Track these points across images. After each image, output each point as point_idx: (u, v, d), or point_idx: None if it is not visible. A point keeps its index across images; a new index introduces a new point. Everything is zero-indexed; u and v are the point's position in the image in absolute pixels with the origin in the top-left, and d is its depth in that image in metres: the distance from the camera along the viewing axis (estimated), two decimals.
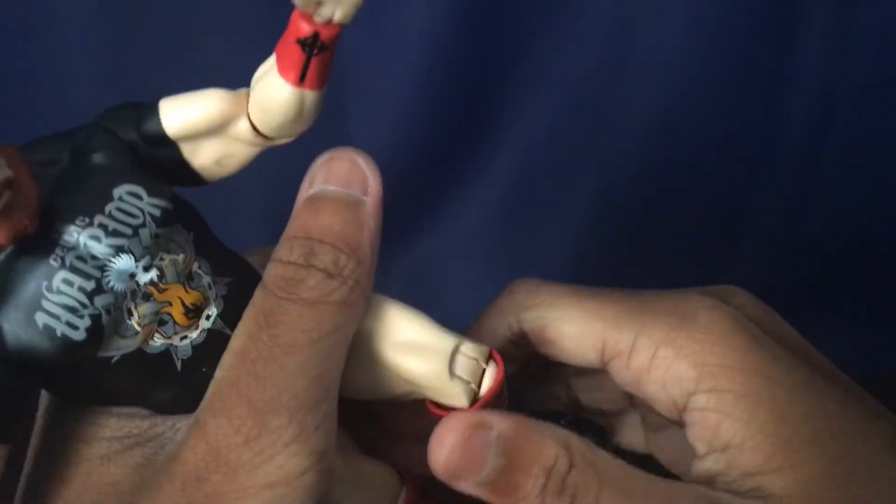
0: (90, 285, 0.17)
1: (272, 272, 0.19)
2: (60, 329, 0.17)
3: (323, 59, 0.19)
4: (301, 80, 0.19)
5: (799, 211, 0.53)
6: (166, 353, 0.19)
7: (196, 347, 0.19)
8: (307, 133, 0.57)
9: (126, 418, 0.19)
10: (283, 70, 0.19)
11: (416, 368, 0.21)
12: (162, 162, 0.19)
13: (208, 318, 0.19)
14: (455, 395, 0.21)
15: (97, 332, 0.18)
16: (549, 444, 0.19)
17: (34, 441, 0.20)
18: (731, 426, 0.19)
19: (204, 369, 0.19)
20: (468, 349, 0.22)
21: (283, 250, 0.20)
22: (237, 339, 0.19)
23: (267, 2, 0.46)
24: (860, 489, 0.19)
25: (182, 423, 0.19)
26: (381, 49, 0.48)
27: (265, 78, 0.19)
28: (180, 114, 0.19)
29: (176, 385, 0.19)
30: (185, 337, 0.19)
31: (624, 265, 0.54)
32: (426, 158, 0.51)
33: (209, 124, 0.19)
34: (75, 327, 0.17)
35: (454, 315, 0.60)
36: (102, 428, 0.19)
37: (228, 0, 0.46)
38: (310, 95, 0.19)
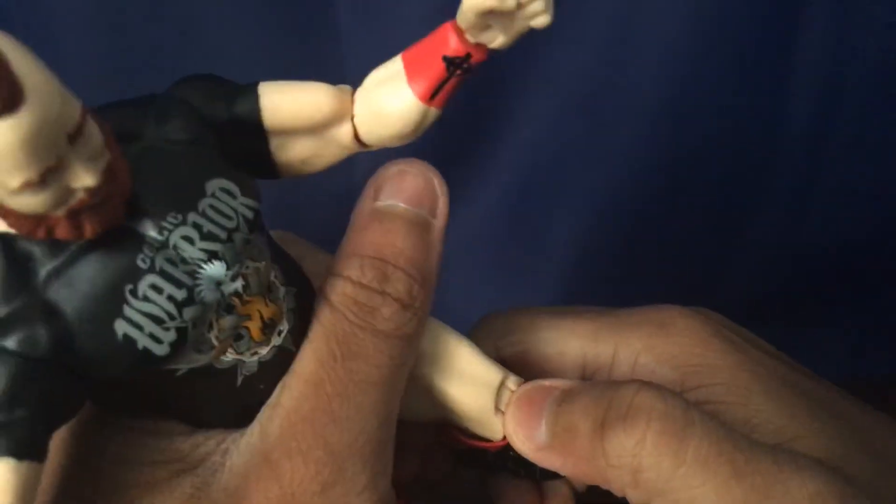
0: (181, 294, 0.15)
1: (342, 291, 0.18)
2: (143, 342, 0.14)
3: (458, 83, 0.17)
4: (432, 97, 0.17)
5: (799, 211, 0.53)
6: (233, 369, 0.17)
7: (262, 364, 0.17)
8: None
9: (165, 437, 0.18)
10: (415, 81, 0.17)
11: (465, 400, 0.21)
12: (243, 150, 0.17)
13: (279, 333, 0.18)
14: (495, 430, 0.21)
15: (181, 347, 0.15)
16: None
17: (55, 457, 0.17)
18: (728, 411, 0.19)
19: (261, 386, 0.17)
20: (512, 383, 0.22)
21: (353, 269, 0.19)
22: (308, 365, 0.17)
23: (260, 9, 0.46)
24: (879, 456, 0.19)
25: (228, 443, 0.18)
26: (380, 48, 0.48)
27: (389, 84, 0.17)
28: (285, 104, 0.17)
29: (231, 401, 0.17)
30: (256, 353, 0.17)
31: (624, 265, 0.54)
32: (426, 158, 0.51)
33: (314, 122, 0.17)
34: (159, 341, 0.15)
35: (454, 315, 0.60)
36: (142, 449, 0.17)
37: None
38: (432, 114, 0.18)
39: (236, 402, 0.17)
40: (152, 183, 0.15)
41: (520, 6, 0.16)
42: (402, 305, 0.19)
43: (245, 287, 0.16)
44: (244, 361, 0.17)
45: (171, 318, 0.14)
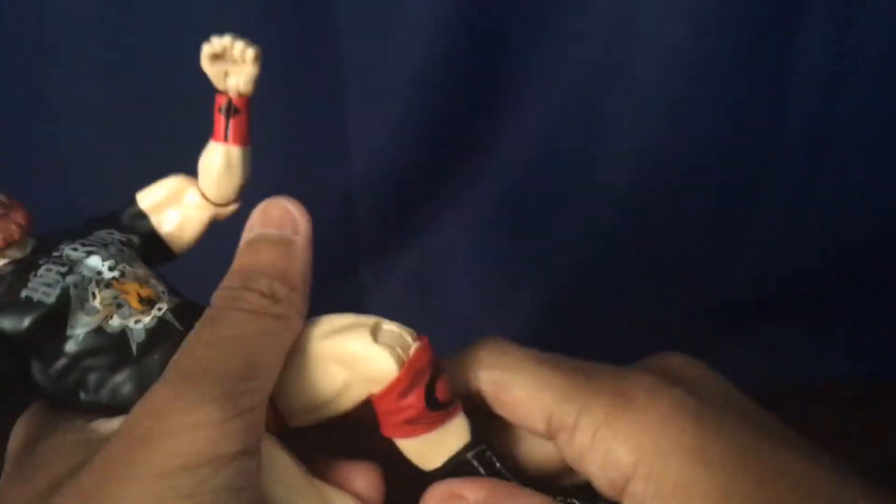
0: (64, 269, 0.22)
1: (215, 296, 0.22)
2: (36, 296, 0.21)
3: (239, 121, 0.23)
4: (225, 138, 0.23)
5: (799, 211, 0.53)
6: (123, 335, 0.22)
7: (149, 332, 0.22)
8: (309, 134, 0.57)
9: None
10: (213, 135, 0.24)
11: (342, 344, 0.23)
12: (144, 238, 0.24)
13: (159, 309, 0.22)
14: (383, 362, 0.22)
15: (65, 298, 0.21)
16: None
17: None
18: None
19: (156, 356, 0.22)
20: (389, 324, 0.24)
21: (224, 281, 0.23)
22: (184, 341, 0.21)
23: (260, 7, 0.46)
24: None
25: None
26: (380, 49, 0.48)
27: (205, 149, 0.24)
28: (149, 191, 0.25)
29: (133, 370, 0.22)
30: (139, 321, 0.22)
31: (624, 264, 0.54)
32: (425, 159, 0.51)
33: (167, 194, 0.24)
34: (48, 294, 0.21)
35: (454, 314, 0.61)
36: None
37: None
38: (234, 151, 0.24)
39: (140, 372, 0.21)
40: (62, 238, 0.23)
41: (224, 52, 0.23)
42: (262, 294, 0.22)
43: (122, 275, 0.22)
44: (131, 328, 0.22)
45: (57, 282, 0.21)
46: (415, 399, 0.23)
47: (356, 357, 0.23)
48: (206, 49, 0.23)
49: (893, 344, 0.56)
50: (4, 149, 0.49)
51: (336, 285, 0.54)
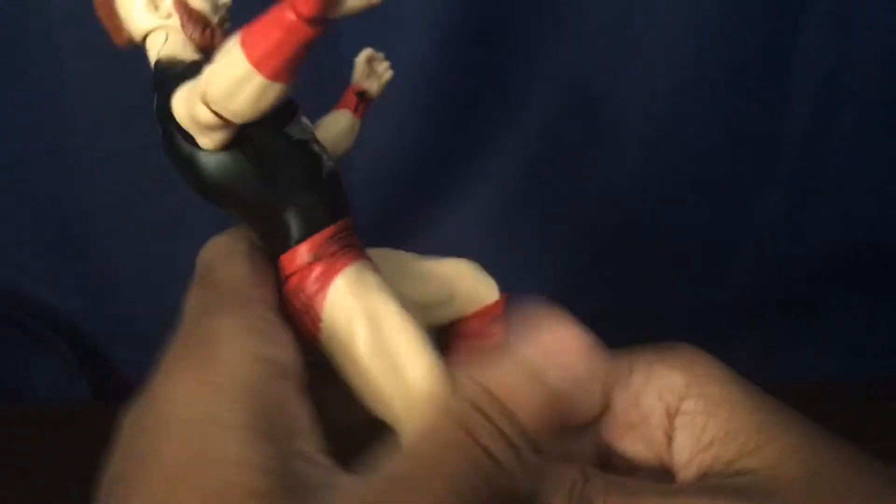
0: None
1: (469, 390, 0.19)
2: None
3: (365, 106, 0.31)
4: (354, 111, 0.31)
5: (799, 212, 0.53)
6: (319, 159, 0.24)
7: (333, 172, 0.25)
8: None
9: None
10: (343, 104, 0.31)
11: (459, 265, 0.27)
12: None
13: (336, 168, 0.25)
14: (492, 287, 0.27)
15: (296, 105, 0.25)
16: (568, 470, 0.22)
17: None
18: (715, 424, 0.22)
19: (339, 193, 0.25)
20: None
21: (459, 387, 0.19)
22: (403, 462, 0.18)
23: (260, 6, 0.46)
24: (827, 462, 0.22)
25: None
26: (380, 48, 0.48)
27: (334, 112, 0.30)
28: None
29: (321, 184, 0.24)
30: (328, 160, 0.25)
31: (624, 264, 0.54)
32: (425, 158, 0.51)
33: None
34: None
35: None
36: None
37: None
38: (357, 123, 0.31)
39: (322, 189, 0.24)
40: None
41: (373, 61, 0.30)
42: (506, 440, 0.18)
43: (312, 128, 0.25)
44: (324, 159, 0.24)
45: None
46: (498, 330, 0.26)
47: (469, 276, 0.27)
48: (369, 52, 0.30)
49: (893, 344, 0.56)
50: (6, 147, 0.49)
51: None
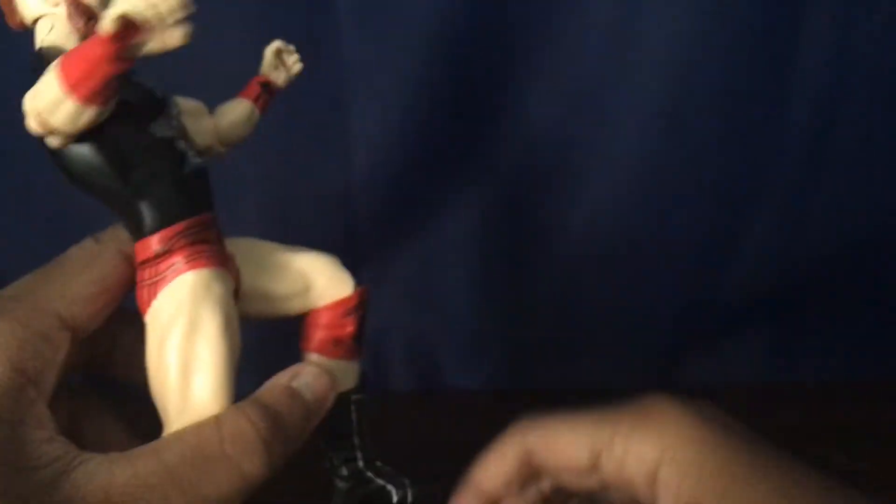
0: (161, 90, 0.26)
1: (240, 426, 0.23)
2: (148, 87, 0.26)
3: (268, 99, 0.31)
4: (255, 101, 0.31)
5: (799, 212, 0.53)
6: (183, 154, 0.25)
7: (198, 169, 0.25)
8: (309, 134, 0.57)
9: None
10: (244, 94, 0.30)
11: (316, 258, 0.28)
12: None
13: (203, 165, 0.26)
14: (347, 280, 0.28)
15: (164, 102, 0.26)
16: None
17: None
18: (687, 489, 0.24)
19: (200, 189, 0.26)
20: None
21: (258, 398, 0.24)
22: (189, 437, 0.22)
23: (260, 4, 0.46)
24: None
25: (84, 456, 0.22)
26: (380, 49, 0.48)
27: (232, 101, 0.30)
28: (183, 101, 0.28)
29: (181, 181, 0.25)
30: (193, 157, 0.26)
31: (624, 264, 0.54)
32: (425, 158, 0.51)
33: (192, 109, 0.28)
34: (157, 93, 0.26)
35: (453, 315, 0.60)
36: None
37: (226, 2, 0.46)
38: (256, 112, 0.31)
39: (179, 186, 0.25)
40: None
41: (282, 53, 0.31)
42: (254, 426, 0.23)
43: (184, 124, 0.26)
44: (189, 156, 0.25)
45: (161, 92, 0.26)
46: (351, 323, 0.28)
47: (328, 269, 0.28)
48: (279, 44, 0.30)
49: (893, 344, 0.56)
50: (6, 147, 0.49)
51: None
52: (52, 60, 0.23)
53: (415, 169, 0.51)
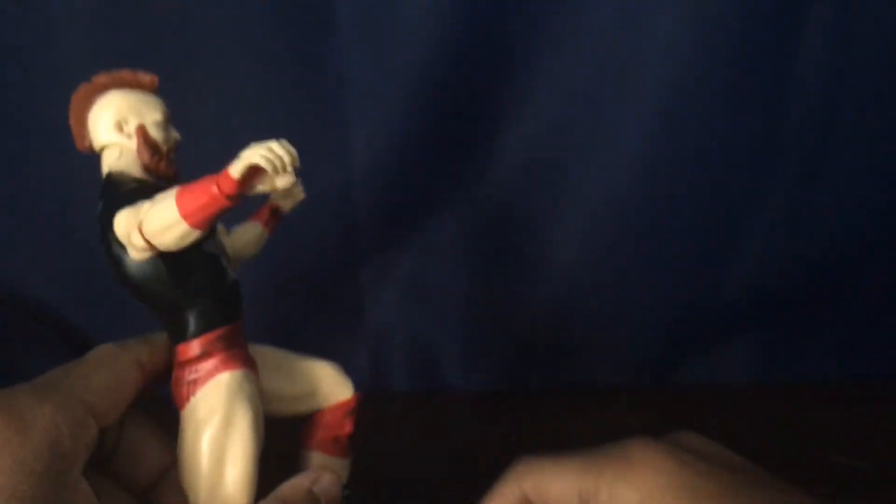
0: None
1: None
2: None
3: (276, 222, 0.34)
4: (266, 225, 0.34)
5: (799, 211, 0.53)
6: (224, 271, 0.29)
7: (234, 283, 0.29)
8: (309, 134, 0.57)
9: None
10: (257, 218, 0.33)
11: (319, 365, 0.32)
12: None
13: (237, 279, 0.30)
14: (347, 385, 0.32)
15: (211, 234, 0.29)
16: None
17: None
18: None
19: (235, 301, 0.29)
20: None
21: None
22: None
23: (260, 6, 0.46)
24: None
25: None
26: (380, 49, 0.48)
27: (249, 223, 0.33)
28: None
29: (221, 293, 0.29)
30: (231, 272, 0.30)
31: (623, 264, 0.54)
32: (425, 159, 0.51)
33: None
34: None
35: (453, 315, 0.61)
36: None
37: (224, 4, 0.46)
38: (265, 235, 0.33)
39: (221, 297, 0.29)
40: None
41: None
42: None
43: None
44: (228, 271, 0.29)
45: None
46: (349, 423, 0.32)
47: (331, 375, 0.32)
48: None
49: (891, 344, 0.56)
50: (6, 147, 0.49)
51: (336, 285, 0.54)
52: (122, 184, 0.27)
53: (414, 169, 0.51)
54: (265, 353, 0.31)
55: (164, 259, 0.27)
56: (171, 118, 0.30)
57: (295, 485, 0.28)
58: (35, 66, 0.46)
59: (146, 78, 0.30)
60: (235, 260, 0.32)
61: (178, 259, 0.27)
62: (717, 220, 0.53)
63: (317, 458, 0.32)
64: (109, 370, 0.27)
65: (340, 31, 0.48)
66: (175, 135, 0.30)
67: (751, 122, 0.50)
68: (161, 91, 0.30)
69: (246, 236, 0.33)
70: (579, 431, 0.50)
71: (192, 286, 0.28)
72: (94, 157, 0.29)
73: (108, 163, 0.29)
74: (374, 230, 0.53)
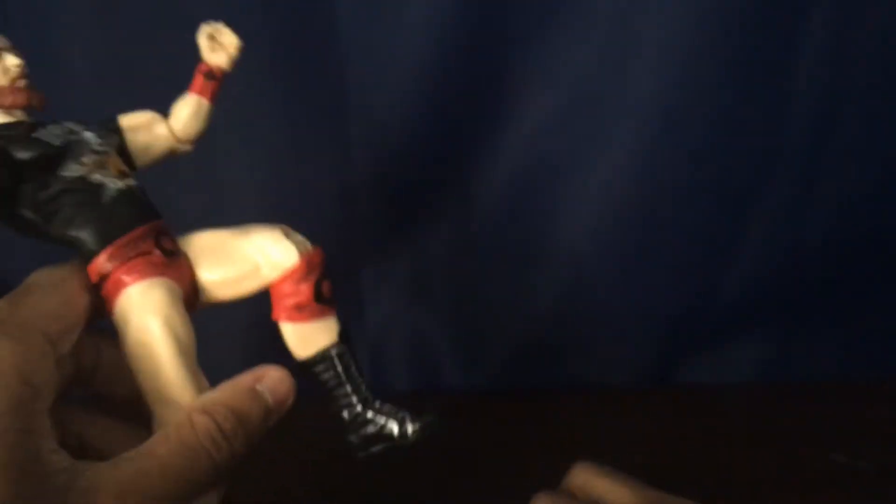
0: (66, 130, 0.28)
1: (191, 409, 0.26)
2: (45, 139, 0.27)
3: (213, 85, 0.31)
4: (200, 92, 0.31)
5: (799, 212, 0.53)
6: (99, 187, 0.28)
7: (119, 191, 0.28)
8: (309, 134, 0.57)
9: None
10: (190, 89, 0.31)
11: (260, 235, 0.30)
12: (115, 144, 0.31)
13: (129, 182, 0.29)
14: (290, 251, 0.30)
15: (65, 147, 0.28)
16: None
17: None
18: None
19: (119, 211, 0.28)
20: (296, 234, 0.31)
21: (211, 399, 0.27)
22: (157, 453, 0.25)
23: (260, 5, 0.46)
24: None
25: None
26: (380, 49, 0.48)
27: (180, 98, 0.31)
28: (129, 116, 0.31)
29: (98, 214, 0.27)
30: (114, 183, 0.28)
31: (624, 264, 0.54)
32: (426, 158, 0.51)
33: (142, 122, 0.31)
34: (53, 141, 0.28)
35: (453, 315, 0.60)
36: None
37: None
38: (205, 104, 0.31)
39: (101, 215, 0.27)
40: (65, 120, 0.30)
41: (216, 34, 0.31)
42: (223, 434, 0.26)
43: (106, 153, 0.29)
44: (106, 184, 0.28)
45: (60, 136, 0.28)
46: (306, 288, 0.30)
47: (271, 245, 0.30)
48: (206, 29, 0.31)
49: (892, 344, 0.56)
50: None
51: (336, 285, 0.54)
52: None
53: (414, 169, 0.51)
54: (199, 241, 0.30)
55: (27, 207, 0.27)
56: (15, 50, 0.28)
57: (236, 384, 0.27)
58: (34, 63, 0.46)
59: None
60: (182, 142, 0.31)
61: (35, 197, 0.27)
62: (717, 220, 0.53)
63: (286, 328, 0.31)
64: (60, 296, 0.27)
65: (340, 30, 0.48)
66: (14, 61, 0.28)
67: (751, 122, 0.50)
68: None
69: (181, 114, 0.31)
70: (579, 431, 0.50)
71: (64, 216, 0.27)
72: None
73: None
74: (374, 230, 0.53)
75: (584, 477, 0.31)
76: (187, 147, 0.31)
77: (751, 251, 0.54)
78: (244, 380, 0.27)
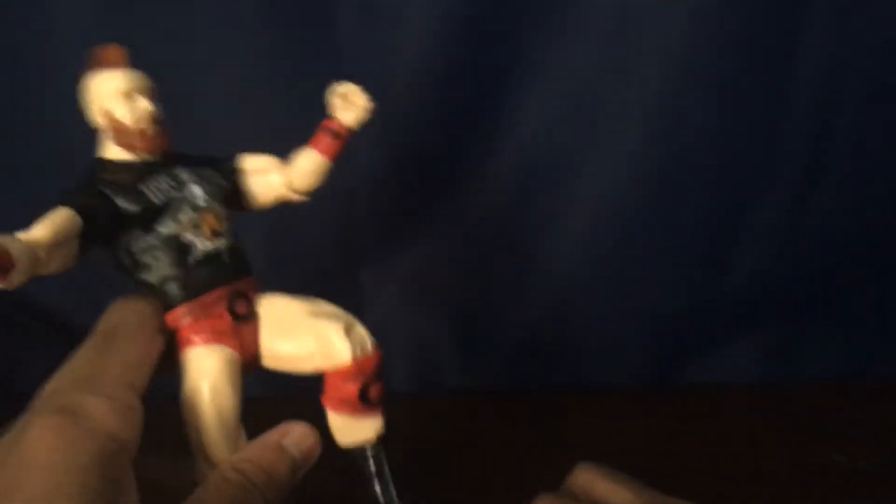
0: (174, 185, 0.29)
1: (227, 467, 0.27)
2: (148, 194, 0.29)
3: (337, 144, 0.32)
4: (323, 151, 0.32)
5: (799, 212, 0.53)
6: (188, 247, 0.29)
7: (205, 254, 0.30)
8: (309, 134, 0.57)
9: None
10: (313, 144, 0.32)
11: (324, 325, 0.31)
12: (232, 183, 0.32)
13: (219, 244, 0.30)
14: (344, 352, 0.30)
15: (166, 204, 0.29)
16: None
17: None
18: None
19: (202, 273, 0.29)
20: (360, 327, 0.32)
21: (245, 457, 0.28)
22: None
23: (260, 5, 0.46)
24: None
25: None
26: (380, 47, 0.48)
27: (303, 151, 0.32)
28: (251, 159, 0.33)
29: (182, 275, 0.29)
30: (204, 244, 0.30)
31: (624, 264, 0.54)
32: (426, 158, 0.51)
33: (263, 166, 0.33)
34: (156, 196, 0.29)
35: (453, 315, 0.60)
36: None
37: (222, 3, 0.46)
38: (325, 162, 0.32)
39: (188, 277, 0.29)
40: (185, 161, 0.31)
41: (348, 94, 0.32)
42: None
43: (207, 207, 0.30)
44: (196, 246, 0.29)
45: (166, 191, 0.29)
46: (352, 388, 0.30)
47: (329, 340, 0.30)
48: (339, 88, 0.31)
49: (893, 344, 0.56)
50: (6, 146, 0.49)
51: (336, 285, 0.54)
52: (97, 171, 0.29)
53: (414, 169, 0.51)
54: (276, 307, 0.31)
55: (117, 249, 0.29)
56: (151, 91, 0.29)
57: (262, 441, 0.28)
58: (34, 63, 0.46)
59: (108, 54, 0.29)
60: (297, 192, 0.32)
61: (130, 247, 0.29)
62: (717, 220, 0.53)
63: (330, 414, 0.31)
64: (142, 343, 0.28)
65: (340, 31, 0.48)
66: (145, 105, 0.29)
67: (751, 122, 0.50)
68: (161, 88, 0.30)
69: (300, 168, 0.32)
70: (579, 431, 0.50)
71: (151, 268, 0.29)
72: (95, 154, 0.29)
73: (98, 150, 0.29)
74: (374, 230, 0.53)
75: (586, 478, 0.32)
76: (301, 198, 0.33)
77: (750, 251, 0.54)
78: (271, 437, 0.29)
